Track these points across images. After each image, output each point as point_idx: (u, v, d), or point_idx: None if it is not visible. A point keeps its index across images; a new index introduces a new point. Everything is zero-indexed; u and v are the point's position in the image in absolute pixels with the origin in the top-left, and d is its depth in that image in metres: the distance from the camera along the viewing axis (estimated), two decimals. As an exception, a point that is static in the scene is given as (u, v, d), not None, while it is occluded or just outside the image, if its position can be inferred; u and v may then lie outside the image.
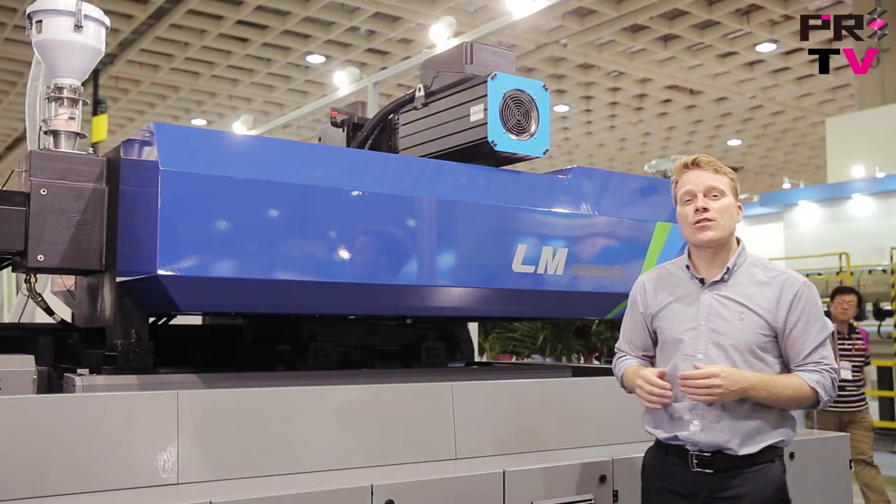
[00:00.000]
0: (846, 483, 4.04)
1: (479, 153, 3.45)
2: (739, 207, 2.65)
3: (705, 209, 2.56)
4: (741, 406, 2.52)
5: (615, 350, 2.94)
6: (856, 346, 6.81)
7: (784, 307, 2.54)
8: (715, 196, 2.58)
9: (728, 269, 2.60)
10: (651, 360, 2.83)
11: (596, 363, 9.26)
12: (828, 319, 2.61)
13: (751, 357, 2.54)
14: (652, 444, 2.78)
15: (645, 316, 2.78)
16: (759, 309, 2.55)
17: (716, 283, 2.61)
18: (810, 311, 2.54)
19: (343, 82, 14.88)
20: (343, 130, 4.05)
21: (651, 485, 2.73)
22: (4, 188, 3.10)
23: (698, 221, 2.57)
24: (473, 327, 5.23)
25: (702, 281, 2.64)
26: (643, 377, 2.58)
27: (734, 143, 25.42)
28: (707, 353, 2.56)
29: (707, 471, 2.53)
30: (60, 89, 3.17)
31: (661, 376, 2.58)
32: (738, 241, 2.68)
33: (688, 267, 2.69)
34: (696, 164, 2.63)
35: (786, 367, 2.60)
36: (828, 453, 3.99)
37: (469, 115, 3.41)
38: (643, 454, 2.83)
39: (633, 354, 2.84)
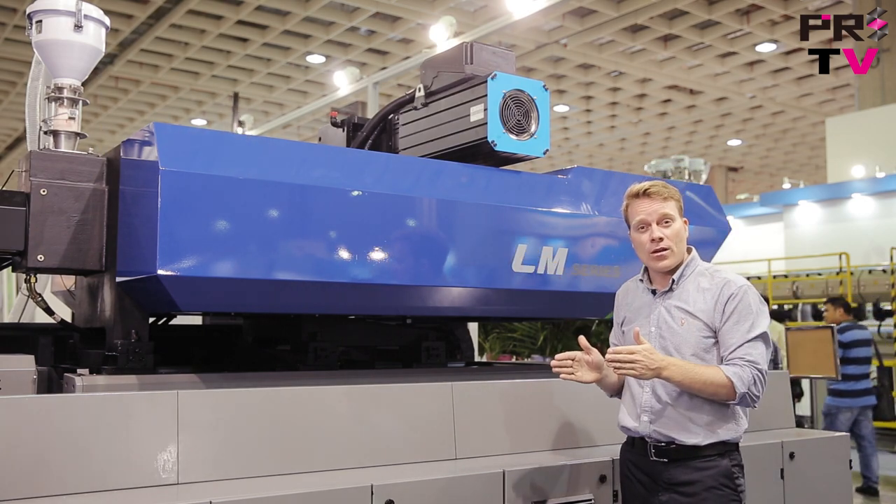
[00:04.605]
0: (846, 483, 4.04)
1: (479, 153, 3.44)
2: (685, 222, 2.83)
3: (661, 238, 2.74)
4: (682, 400, 2.69)
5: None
6: None
7: (720, 308, 2.70)
8: (667, 223, 2.76)
9: (674, 280, 2.79)
10: None
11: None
12: (767, 323, 2.71)
13: (694, 360, 2.69)
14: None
15: (617, 323, 2.98)
16: (698, 312, 2.72)
17: (665, 293, 2.81)
18: (741, 311, 2.68)
19: (343, 82, 14.86)
20: (343, 130, 4.05)
21: (624, 474, 2.92)
22: (4, 188, 3.09)
23: (655, 251, 2.76)
24: (473, 327, 5.24)
25: (654, 292, 2.84)
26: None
27: (734, 143, 25.41)
28: None
29: (662, 460, 2.73)
30: (60, 89, 3.17)
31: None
32: (689, 251, 2.85)
33: (641, 280, 2.90)
34: (646, 195, 2.77)
35: None
36: (828, 453, 3.99)
37: (469, 115, 3.41)
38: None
39: None
